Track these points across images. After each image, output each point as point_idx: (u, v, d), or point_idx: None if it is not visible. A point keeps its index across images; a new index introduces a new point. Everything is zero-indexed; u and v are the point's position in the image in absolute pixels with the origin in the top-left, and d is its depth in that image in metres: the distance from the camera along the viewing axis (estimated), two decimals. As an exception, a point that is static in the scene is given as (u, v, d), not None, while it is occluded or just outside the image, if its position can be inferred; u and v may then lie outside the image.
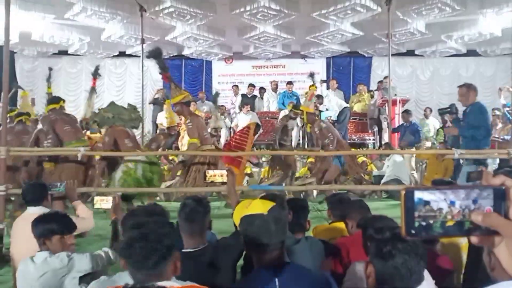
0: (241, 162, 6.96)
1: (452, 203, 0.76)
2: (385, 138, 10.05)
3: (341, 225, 3.33)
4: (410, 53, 13.41)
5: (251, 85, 12.33)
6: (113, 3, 9.62)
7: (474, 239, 0.76)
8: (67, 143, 5.39)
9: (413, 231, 0.76)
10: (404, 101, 10.53)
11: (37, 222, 2.52)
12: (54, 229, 2.50)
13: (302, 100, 11.84)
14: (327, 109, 10.32)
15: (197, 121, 5.84)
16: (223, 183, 3.97)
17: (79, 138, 5.56)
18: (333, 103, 10.52)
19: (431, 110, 10.69)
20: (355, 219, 2.85)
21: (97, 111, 6.37)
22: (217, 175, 3.72)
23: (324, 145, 7.10)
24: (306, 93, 7.27)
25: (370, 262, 1.68)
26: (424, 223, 0.76)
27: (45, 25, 10.84)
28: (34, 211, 3.17)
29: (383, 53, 12.69)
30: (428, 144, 9.96)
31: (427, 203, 0.76)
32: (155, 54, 5.61)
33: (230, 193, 2.88)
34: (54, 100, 5.87)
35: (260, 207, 1.88)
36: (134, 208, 2.21)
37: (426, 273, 1.90)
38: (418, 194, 0.76)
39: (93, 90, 6.48)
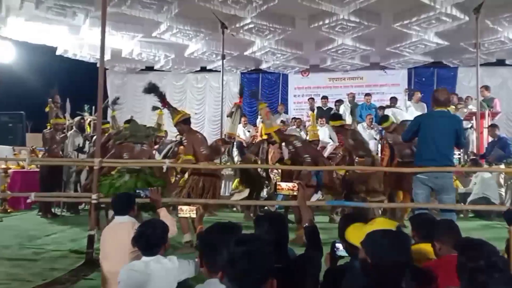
0: None
1: None
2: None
3: (426, 247, 3.16)
4: (500, 62, 12.57)
5: (324, 97, 12.29)
6: (196, 21, 10.09)
7: None
8: None
9: None
10: (494, 114, 9.82)
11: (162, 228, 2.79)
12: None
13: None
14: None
15: (194, 137, 5.73)
16: (293, 196, 3.90)
17: None
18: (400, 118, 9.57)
19: (525, 124, 9.87)
20: (444, 241, 2.71)
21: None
22: (287, 188, 3.67)
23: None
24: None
25: (463, 292, 1.60)
26: None
27: (134, 43, 11.66)
28: (121, 220, 3.39)
29: (470, 63, 11.99)
30: (520, 160, 9.18)
31: None
32: (151, 88, 6.12)
33: (302, 206, 2.87)
34: None
35: (387, 224, 1.87)
36: (212, 225, 2.28)
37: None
38: None
39: (238, 107, 6.84)
